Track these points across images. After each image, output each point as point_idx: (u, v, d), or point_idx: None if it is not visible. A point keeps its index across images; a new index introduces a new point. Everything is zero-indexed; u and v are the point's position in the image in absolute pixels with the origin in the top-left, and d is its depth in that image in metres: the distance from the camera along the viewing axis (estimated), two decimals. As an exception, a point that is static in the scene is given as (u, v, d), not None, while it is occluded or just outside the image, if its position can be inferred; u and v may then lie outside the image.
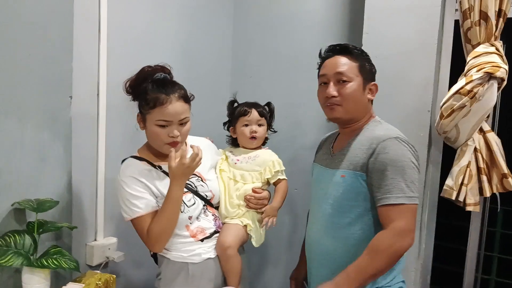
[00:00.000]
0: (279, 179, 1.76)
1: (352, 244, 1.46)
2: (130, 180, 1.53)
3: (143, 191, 1.54)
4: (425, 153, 1.80)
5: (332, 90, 1.49)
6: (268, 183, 1.77)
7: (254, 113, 1.77)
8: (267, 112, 1.83)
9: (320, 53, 1.60)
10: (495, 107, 1.74)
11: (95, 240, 1.88)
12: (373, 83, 1.54)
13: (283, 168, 1.77)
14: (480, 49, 1.60)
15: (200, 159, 1.52)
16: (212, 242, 1.63)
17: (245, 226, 1.69)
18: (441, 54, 1.81)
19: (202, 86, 2.31)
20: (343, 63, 1.50)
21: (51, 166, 1.65)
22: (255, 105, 1.80)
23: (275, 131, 1.87)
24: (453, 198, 1.65)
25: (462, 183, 1.62)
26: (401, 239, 1.34)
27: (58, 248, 1.52)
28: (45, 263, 1.42)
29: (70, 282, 1.47)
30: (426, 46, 1.78)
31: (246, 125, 1.78)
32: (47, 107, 1.62)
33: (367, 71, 1.52)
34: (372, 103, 1.57)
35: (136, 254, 1.88)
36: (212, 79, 2.47)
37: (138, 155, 1.61)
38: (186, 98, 1.55)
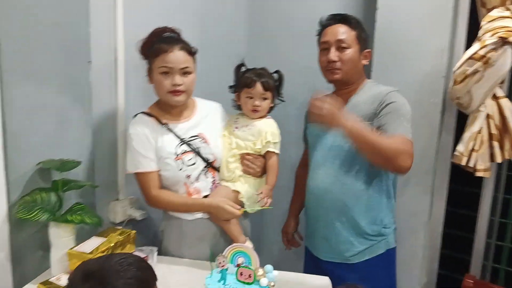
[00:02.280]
0: (269, 152, 1.74)
1: (359, 188, 1.66)
2: (137, 137, 1.66)
3: (148, 149, 1.66)
4: (438, 119, 1.80)
5: (333, 55, 1.68)
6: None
7: (258, 87, 1.72)
8: (275, 81, 1.78)
9: (320, 21, 1.76)
10: (511, 72, 1.72)
11: (118, 199, 1.98)
12: (367, 50, 1.74)
13: (276, 140, 1.75)
14: (495, 13, 1.56)
15: (233, 216, 1.66)
16: None
17: (235, 191, 1.72)
18: (457, 19, 1.77)
19: (217, 51, 2.34)
20: (343, 32, 1.68)
21: (73, 127, 1.73)
22: (261, 75, 1.74)
23: (283, 100, 1.84)
24: (463, 163, 1.66)
25: (472, 149, 1.62)
26: (407, 152, 1.51)
27: (82, 205, 1.61)
28: (69, 218, 1.51)
29: (93, 236, 1.57)
30: (442, 10, 1.74)
31: (250, 97, 1.75)
32: (67, 71, 1.68)
33: (363, 40, 1.72)
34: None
35: (157, 212, 1.97)
36: (228, 44, 2.46)
37: (148, 111, 1.71)
38: (189, 51, 1.65)
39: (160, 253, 1.81)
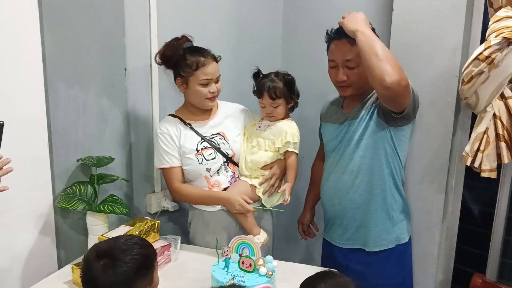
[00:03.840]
0: (288, 151, 1.83)
1: (367, 174, 1.71)
2: (163, 136, 1.86)
3: (172, 148, 1.85)
4: (452, 118, 1.80)
5: (341, 75, 1.68)
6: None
7: (266, 98, 1.82)
8: (287, 85, 1.84)
9: (327, 32, 1.74)
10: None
11: (153, 192, 2.18)
12: None
13: (296, 141, 1.83)
14: (501, 13, 1.54)
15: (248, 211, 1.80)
16: None
17: (253, 186, 1.85)
18: (472, 18, 1.75)
19: (252, 53, 2.45)
20: (349, 50, 1.64)
21: (111, 127, 1.94)
22: (270, 84, 1.81)
23: (297, 101, 1.91)
24: (468, 164, 1.65)
25: (478, 150, 1.61)
26: (402, 74, 1.49)
27: (114, 197, 1.82)
28: (102, 208, 1.73)
29: (122, 225, 1.77)
30: (456, 9, 1.73)
31: (263, 106, 1.86)
32: (106, 77, 1.89)
33: None
34: None
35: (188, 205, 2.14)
36: (262, 45, 2.56)
37: (174, 113, 1.91)
38: (217, 60, 1.83)
39: (188, 242, 1.99)
